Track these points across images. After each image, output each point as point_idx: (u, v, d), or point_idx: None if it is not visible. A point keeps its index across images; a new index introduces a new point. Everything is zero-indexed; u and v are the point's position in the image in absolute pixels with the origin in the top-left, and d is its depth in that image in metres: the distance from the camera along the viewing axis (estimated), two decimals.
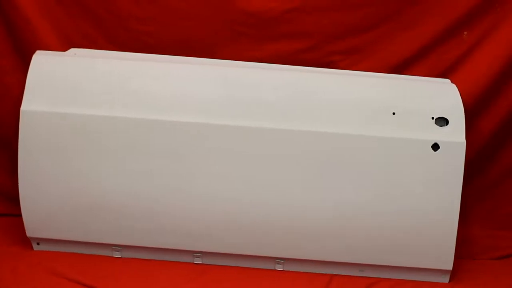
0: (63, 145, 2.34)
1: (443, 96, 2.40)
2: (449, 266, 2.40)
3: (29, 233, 2.43)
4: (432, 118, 2.34)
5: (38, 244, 2.46)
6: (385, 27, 2.62)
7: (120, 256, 2.46)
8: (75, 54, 2.51)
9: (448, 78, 2.57)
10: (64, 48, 2.58)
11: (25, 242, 2.46)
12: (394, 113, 2.34)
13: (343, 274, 2.43)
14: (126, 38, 2.65)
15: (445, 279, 2.44)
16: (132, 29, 2.64)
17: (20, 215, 2.41)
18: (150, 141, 2.33)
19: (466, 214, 2.60)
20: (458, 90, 2.40)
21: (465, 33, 2.61)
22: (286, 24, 2.62)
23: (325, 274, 2.43)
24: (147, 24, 2.64)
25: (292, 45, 2.64)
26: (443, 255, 2.39)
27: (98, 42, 2.66)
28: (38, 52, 2.45)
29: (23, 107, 2.32)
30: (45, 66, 2.39)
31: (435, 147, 2.31)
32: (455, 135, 2.32)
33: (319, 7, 2.61)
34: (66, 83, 2.35)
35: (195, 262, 2.45)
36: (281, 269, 2.45)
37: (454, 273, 2.44)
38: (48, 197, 2.38)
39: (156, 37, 2.65)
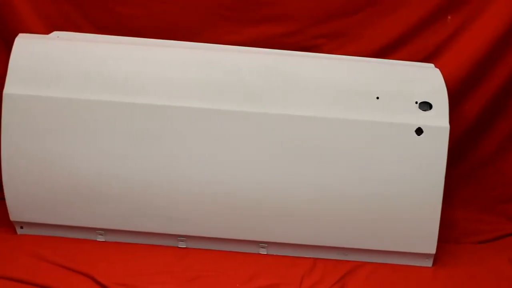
0: (46, 128, 2.32)
1: (427, 80, 2.40)
2: (433, 250, 2.41)
3: (12, 217, 2.42)
4: (416, 102, 2.33)
5: (21, 228, 2.45)
6: (369, 11, 2.61)
7: (104, 240, 2.45)
8: (57, 37, 2.50)
9: (432, 63, 2.57)
10: (47, 31, 2.57)
11: (9, 226, 2.46)
12: (378, 98, 2.33)
13: (326, 258, 2.44)
14: (109, 21, 2.64)
15: (429, 263, 2.44)
16: (116, 12, 2.63)
17: (3, 198, 2.41)
18: (133, 124, 2.32)
19: (449, 198, 2.61)
20: (442, 74, 2.40)
21: (449, 17, 2.61)
22: (269, 7, 2.61)
23: (309, 257, 2.43)
24: (130, 7, 2.62)
25: (275, 29, 2.63)
26: (426, 239, 2.40)
27: (81, 25, 2.64)
28: (20, 35, 2.43)
29: (6, 90, 2.31)
30: (27, 49, 2.37)
31: (419, 131, 2.31)
32: (439, 120, 2.32)
33: None
34: (48, 66, 2.34)
35: (179, 246, 2.45)
36: (265, 253, 2.45)
37: (437, 257, 2.45)
38: (32, 181, 2.37)
39: (139, 20, 2.63)
